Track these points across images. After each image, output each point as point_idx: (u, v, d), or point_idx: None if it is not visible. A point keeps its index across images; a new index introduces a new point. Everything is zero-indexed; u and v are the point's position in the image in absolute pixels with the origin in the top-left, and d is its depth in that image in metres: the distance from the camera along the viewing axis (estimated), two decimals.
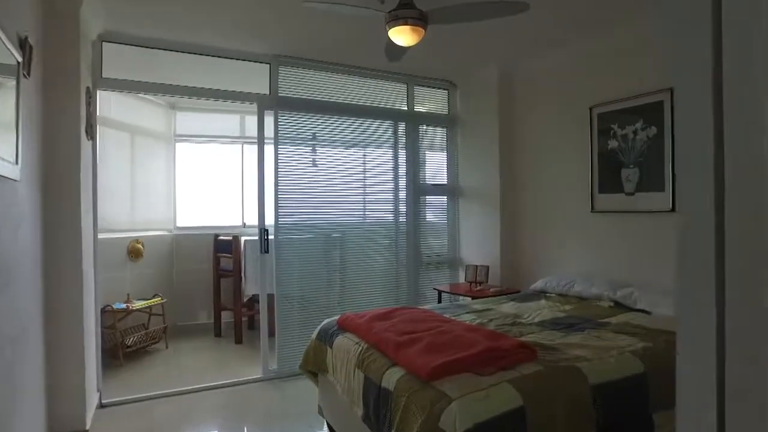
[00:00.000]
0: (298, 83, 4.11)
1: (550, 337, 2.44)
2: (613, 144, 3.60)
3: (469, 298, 3.87)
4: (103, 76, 3.40)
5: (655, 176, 3.32)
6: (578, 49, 3.84)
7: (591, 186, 3.75)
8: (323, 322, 2.99)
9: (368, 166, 4.53)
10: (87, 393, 2.93)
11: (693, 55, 0.64)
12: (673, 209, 3.21)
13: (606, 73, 3.66)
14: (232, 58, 3.85)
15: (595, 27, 3.50)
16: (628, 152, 3.49)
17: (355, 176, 4.43)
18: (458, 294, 4.23)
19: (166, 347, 4.72)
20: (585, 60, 3.82)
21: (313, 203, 4.20)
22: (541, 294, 3.65)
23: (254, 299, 5.06)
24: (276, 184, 3.97)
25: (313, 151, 4.31)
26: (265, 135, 3.97)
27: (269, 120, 3.96)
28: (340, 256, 4.38)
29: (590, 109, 3.75)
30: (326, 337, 2.80)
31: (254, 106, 3.96)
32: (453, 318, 2.81)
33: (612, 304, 3.19)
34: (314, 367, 2.89)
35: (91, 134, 3.15)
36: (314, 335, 2.96)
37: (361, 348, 2.41)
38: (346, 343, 2.57)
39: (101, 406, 3.32)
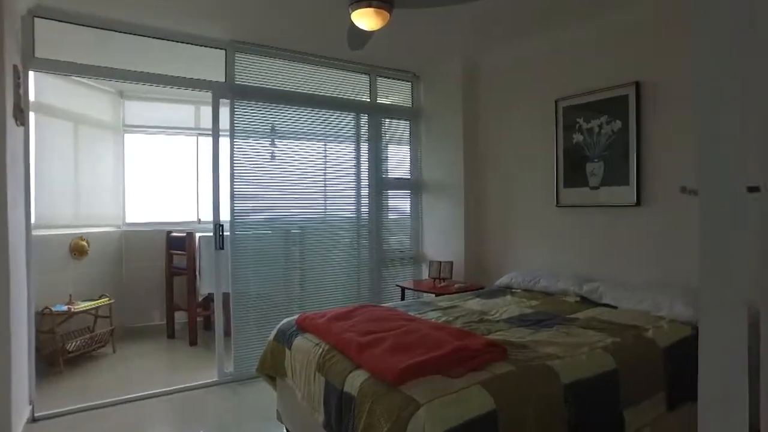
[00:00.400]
0: (256, 71, 3.90)
1: (519, 335, 2.35)
2: (578, 138, 3.56)
3: (433, 295, 3.77)
4: (36, 55, 3.10)
5: (619, 170, 3.30)
6: (544, 42, 3.79)
7: (556, 180, 3.70)
8: (281, 322, 2.82)
9: (330, 159, 4.37)
10: (15, 406, 2.65)
11: None
12: (638, 203, 3.19)
13: (572, 67, 3.62)
14: (184, 42, 3.60)
15: (561, 19, 3.45)
16: (593, 146, 3.46)
17: (315, 170, 4.26)
18: (422, 291, 4.13)
19: (114, 351, 4.42)
20: (550, 53, 3.78)
21: (272, 198, 4.01)
22: (506, 290, 3.59)
23: (210, 298, 4.83)
24: (232, 178, 3.76)
25: (273, 143, 4.12)
26: (222, 126, 3.74)
27: (226, 111, 3.74)
28: (300, 253, 4.20)
29: (555, 102, 3.70)
30: (284, 338, 2.63)
31: (209, 95, 3.72)
32: (418, 316, 2.69)
33: (578, 299, 3.15)
34: (272, 370, 2.72)
35: (21, 120, 2.85)
36: (272, 336, 2.78)
37: (321, 350, 2.26)
38: (305, 345, 2.41)
39: (33, 420, 3.02)
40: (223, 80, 3.75)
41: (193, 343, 4.71)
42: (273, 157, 4.11)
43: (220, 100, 3.74)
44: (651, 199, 3.15)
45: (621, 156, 3.28)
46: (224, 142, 3.74)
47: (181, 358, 4.40)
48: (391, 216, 4.71)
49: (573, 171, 3.59)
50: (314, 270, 4.22)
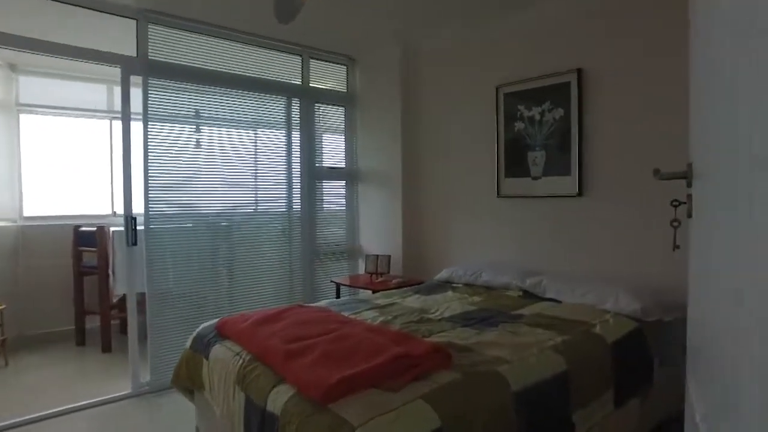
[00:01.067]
0: (174, 47, 3.49)
1: (464, 335, 2.16)
2: (519, 126, 3.44)
3: (371, 292, 3.55)
4: None
5: (561, 160, 3.20)
6: (485, 27, 3.64)
7: (497, 170, 3.57)
8: (199, 328, 2.49)
9: (261, 147, 4.03)
10: None
11: None
12: (579, 194, 3.10)
13: (513, 53, 3.49)
14: (88, 8, 3.13)
15: (503, 3, 3.30)
16: (535, 135, 3.35)
17: (245, 159, 3.91)
18: (358, 287, 3.89)
19: (6, 364, 3.87)
20: (492, 38, 3.63)
21: (197, 189, 3.64)
22: (447, 285, 3.42)
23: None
24: (146, 166, 3.35)
25: (198, 130, 3.73)
26: (144, 109, 3.33)
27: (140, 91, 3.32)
28: (228, 248, 3.85)
29: (496, 89, 3.56)
30: (202, 347, 2.32)
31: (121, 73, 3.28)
32: (353, 317, 2.45)
33: (521, 293, 3.02)
34: (188, 382, 2.39)
35: None
36: (188, 343, 2.45)
37: (242, 360, 1.97)
38: (224, 354, 2.11)
39: None
40: (135, 55, 3.32)
41: (106, 349, 4.24)
42: (198, 145, 3.73)
43: (132, 77, 3.31)
44: (593, 189, 3.07)
45: (563, 145, 3.19)
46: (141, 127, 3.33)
47: (91, 368, 3.93)
48: (326, 207, 4.44)
49: (514, 160, 3.47)
50: (244, 266, 3.88)
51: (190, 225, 3.64)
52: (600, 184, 3.03)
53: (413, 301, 2.94)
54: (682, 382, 1.16)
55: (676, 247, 1.21)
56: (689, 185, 1.12)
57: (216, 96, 3.73)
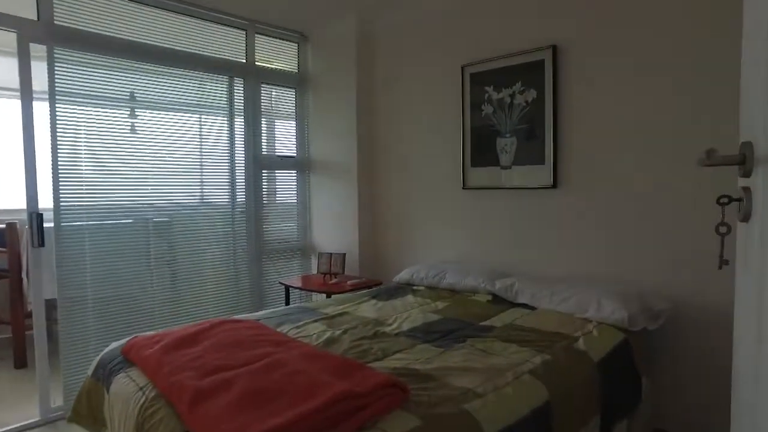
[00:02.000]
0: (91, 12, 2.96)
1: (425, 356, 1.79)
2: (487, 109, 3.08)
3: (324, 296, 3.15)
4: None
5: (534, 147, 2.87)
6: (449, 0, 3.27)
7: (462, 158, 3.22)
8: (105, 350, 2.03)
9: (205, 134, 3.56)
10: None
11: None
12: (554, 185, 2.78)
13: (480, 28, 3.12)
14: None
15: None
16: (505, 119, 3.00)
17: (189, 147, 3.44)
18: (310, 290, 3.49)
19: None
20: (457, 12, 3.25)
21: (131, 181, 3.16)
22: (407, 287, 3.05)
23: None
24: (54, 154, 2.84)
25: (133, 114, 3.23)
26: (51, 85, 2.80)
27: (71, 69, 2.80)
28: (168, 247, 3.38)
29: (462, 68, 3.19)
30: (104, 375, 1.86)
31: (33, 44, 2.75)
32: (293, 334, 2.04)
33: (490, 298, 2.68)
34: (90, 419, 1.93)
35: None
36: (91, 369, 1.99)
37: (144, 398, 1.54)
38: (126, 388, 1.67)
39: None
40: (35, 18, 2.78)
41: (20, 365, 3.70)
42: (134, 130, 3.24)
43: (35, 46, 2.78)
44: (570, 180, 2.74)
45: (536, 131, 2.85)
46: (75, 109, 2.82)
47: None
48: (276, 199, 3.99)
49: (482, 148, 3.12)
50: (186, 267, 3.41)
51: (121, 221, 3.15)
52: (578, 175, 2.71)
53: (368, 308, 2.56)
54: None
55: (723, 262, 0.85)
56: (746, 174, 0.77)
57: (153, 76, 3.24)
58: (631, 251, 2.51)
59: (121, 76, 3.11)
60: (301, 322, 2.25)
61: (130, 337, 1.96)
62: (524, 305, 2.50)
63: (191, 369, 1.53)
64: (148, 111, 3.26)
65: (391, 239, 3.74)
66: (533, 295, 2.49)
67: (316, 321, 2.28)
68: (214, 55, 3.52)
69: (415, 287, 3.03)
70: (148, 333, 1.98)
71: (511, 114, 2.96)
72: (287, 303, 3.60)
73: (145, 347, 1.77)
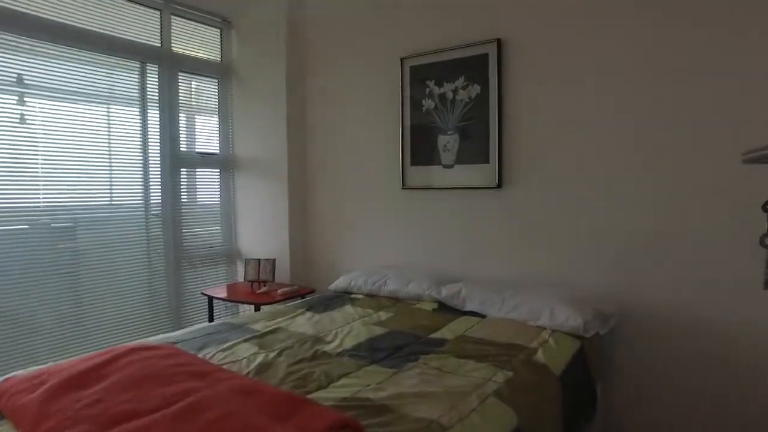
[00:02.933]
0: None
1: (375, 381, 1.56)
2: (428, 104, 2.92)
3: (252, 308, 2.84)
4: None
5: (478, 145, 2.73)
6: None
7: (401, 157, 3.03)
8: None
9: (114, 128, 3.12)
10: None
11: None
12: (499, 185, 2.65)
13: (421, 18, 2.95)
14: None
15: None
16: (447, 115, 2.85)
17: (95, 142, 2.99)
18: (235, 301, 3.16)
19: None
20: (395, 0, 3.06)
21: (21, 179, 2.68)
22: (345, 296, 2.81)
23: None
24: None
25: (21, 101, 2.75)
26: None
27: None
28: (71, 255, 2.92)
29: (401, 61, 3.01)
30: None
31: None
32: (218, 362, 1.74)
33: (436, 305, 2.50)
34: None
35: None
36: None
37: None
38: None
39: None
40: None
41: None
42: (22, 121, 2.75)
43: None
44: (515, 180, 2.63)
45: (480, 127, 2.72)
46: None
47: None
48: (197, 200, 3.61)
49: (422, 146, 2.94)
50: (91, 279, 2.96)
51: (12, 227, 2.67)
52: (523, 175, 2.61)
53: (304, 322, 2.29)
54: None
55: None
56: None
57: (48, 58, 2.77)
58: (574, 252, 2.44)
59: (6, 55, 2.63)
60: (228, 343, 1.94)
61: (3, 377, 1.56)
62: (473, 313, 2.35)
63: (87, 420, 1.20)
64: (42, 99, 2.80)
65: (325, 243, 3.48)
66: (483, 302, 2.34)
67: (245, 341, 1.99)
68: (122, 36, 3.09)
69: (353, 296, 2.80)
70: (29, 370, 1.59)
71: (454, 110, 2.81)
72: (211, 317, 3.25)
73: (23, 392, 1.40)
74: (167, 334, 2.19)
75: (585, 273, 2.41)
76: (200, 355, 1.79)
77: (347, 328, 2.18)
